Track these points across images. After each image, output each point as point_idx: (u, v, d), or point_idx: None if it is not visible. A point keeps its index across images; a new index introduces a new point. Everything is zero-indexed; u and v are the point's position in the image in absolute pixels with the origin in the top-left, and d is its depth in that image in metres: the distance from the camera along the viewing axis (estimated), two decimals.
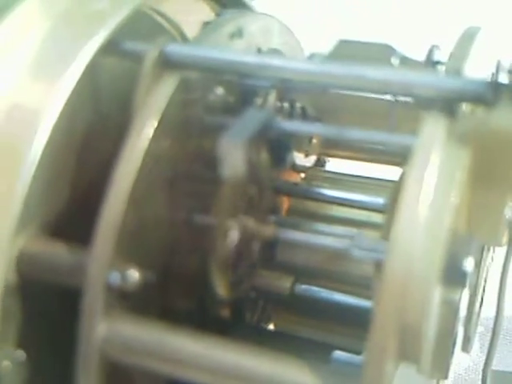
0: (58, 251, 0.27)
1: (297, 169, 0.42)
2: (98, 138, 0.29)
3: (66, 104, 0.26)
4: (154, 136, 0.26)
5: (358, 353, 0.33)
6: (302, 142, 0.40)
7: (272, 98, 0.34)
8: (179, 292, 0.31)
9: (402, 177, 0.30)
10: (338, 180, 0.43)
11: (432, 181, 0.23)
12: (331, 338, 0.40)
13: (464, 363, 0.59)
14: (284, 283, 0.38)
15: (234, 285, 0.33)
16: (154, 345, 0.25)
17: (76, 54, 0.27)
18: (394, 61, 0.32)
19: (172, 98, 0.27)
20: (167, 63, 0.28)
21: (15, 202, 0.25)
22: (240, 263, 0.33)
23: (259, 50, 0.35)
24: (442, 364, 0.29)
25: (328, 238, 0.34)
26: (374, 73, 0.26)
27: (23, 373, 0.27)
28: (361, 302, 0.39)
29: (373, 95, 0.32)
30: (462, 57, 0.26)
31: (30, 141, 0.26)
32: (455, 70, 0.26)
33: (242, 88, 0.31)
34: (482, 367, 0.39)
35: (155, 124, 0.26)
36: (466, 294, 0.28)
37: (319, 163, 0.45)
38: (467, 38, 0.28)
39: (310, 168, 0.43)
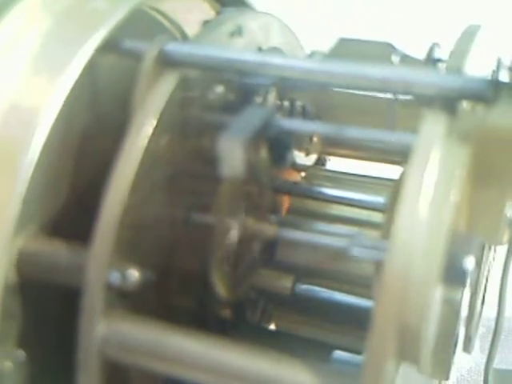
0: (58, 251, 0.27)
1: (297, 167, 0.42)
2: (96, 138, 0.29)
3: (65, 103, 0.26)
4: (153, 134, 0.26)
5: (359, 352, 0.33)
6: (302, 141, 0.40)
7: (272, 96, 0.34)
8: (179, 291, 0.31)
9: (402, 175, 0.30)
10: (339, 179, 0.43)
11: (432, 179, 0.23)
12: (332, 337, 0.40)
13: (466, 364, 0.59)
14: (285, 283, 0.38)
15: (234, 284, 0.33)
16: (153, 344, 0.25)
17: (75, 53, 0.27)
18: (395, 59, 0.32)
19: (171, 97, 0.26)
20: (167, 62, 0.28)
21: (14, 202, 0.25)
22: (240, 263, 0.33)
23: (259, 49, 0.35)
24: (443, 364, 0.29)
25: (328, 237, 0.34)
26: (374, 71, 0.26)
27: (24, 372, 0.27)
28: (361, 301, 0.39)
29: (373, 93, 0.32)
30: (462, 55, 0.26)
31: (28, 141, 0.26)
32: (456, 68, 0.26)
33: (242, 86, 0.31)
34: (483, 368, 0.38)
35: (154, 123, 0.26)
36: (467, 294, 0.28)
37: (320, 162, 0.45)
38: (467, 36, 0.28)
39: (310, 167, 0.43)
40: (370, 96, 0.32)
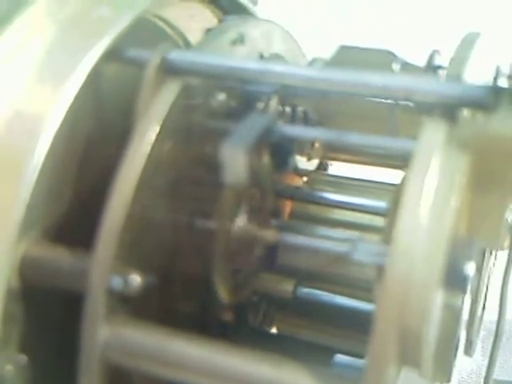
0: (60, 256, 0.27)
1: (299, 172, 0.42)
2: (99, 144, 0.29)
3: (69, 111, 0.27)
4: (156, 141, 0.26)
5: (360, 356, 0.33)
6: (304, 146, 0.40)
7: (274, 102, 0.34)
8: (181, 296, 0.31)
9: (403, 181, 0.30)
10: (340, 184, 0.43)
11: (432, 185, 0.23)
12: (333, 341, 0.40)
13: (467, 367, 0.59)
14: (286, 286, 0.38)
15: (236, 289, 0.33)
16: (155, 349, 0.26)
17: (79, 61, 0.27)
18: (395, 67, 0.32)
19: (174, 104, 0.27)
20: (169, 69, 0.28)
21: (18, 208, 0.25)
22: (242, 267, 0.33)
23: (261, 56, 0.35)
24: (444, 367, 0.29)
25: (330, 241, 0.35)
26: (375, 79, 0.26)
27: (25, 377, 0.27)
28: (363, 305, 0.39)
29: (374, 99, 0.32)
30: (462, 62, 0.27)
31: (32, 147, 0.26)
32: (455, 76, 0.26)
33: (244, 93, 0.31)
34: (484, 371, 0.39)
35: (157, 129, 0.26)
36: (468, 298, 0.28)
37: (321, 167, 0.45)
38: (467, 44, 0.28)
39: (312, 172, 0.43)
40: (370, 102, 0.32)
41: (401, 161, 0.40)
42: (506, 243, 0.29)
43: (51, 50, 0.28)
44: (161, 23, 0.34)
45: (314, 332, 0.41)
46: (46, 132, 0.26)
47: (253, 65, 0.28)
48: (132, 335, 0.26)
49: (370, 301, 0.38)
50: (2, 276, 0.25)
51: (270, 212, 0.35)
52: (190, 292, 0.32)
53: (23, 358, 0.27)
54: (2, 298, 0.25)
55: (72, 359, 0.25)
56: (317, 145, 0.41)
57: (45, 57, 0.27)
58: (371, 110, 0.33)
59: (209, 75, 0.28)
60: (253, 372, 0.25)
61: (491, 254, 0.35)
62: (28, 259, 0.26)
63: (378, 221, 0.40)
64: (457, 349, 0.32)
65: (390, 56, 0.33)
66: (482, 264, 0.32)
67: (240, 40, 0.32)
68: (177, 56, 0.28)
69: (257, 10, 0.39)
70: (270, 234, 0.34)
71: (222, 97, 0.30)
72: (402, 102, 0.31)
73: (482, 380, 0.44)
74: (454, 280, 0.24)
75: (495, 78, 0.28)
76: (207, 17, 0.38)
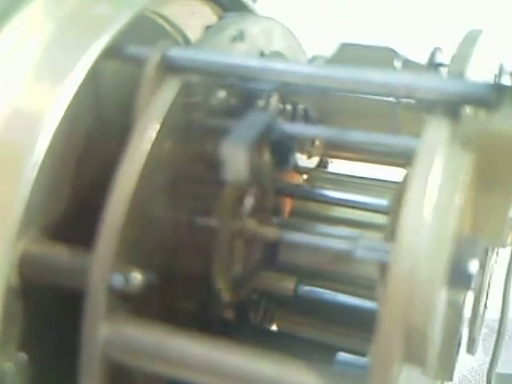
0: (60, 254, 0.27)
1: (299, 170, 0.42)
2: (99, 142, 0.29)
3: (68, 108, 0.26)
4: (156, 139, 0.26)
5: (361, 354, 0.33)
6: (304, 144, 0.40)
7: (274, 100, 0.34)
8: (182, 294, 0.31)
9: (405, 178, 0.30)
10: (341, 181, 0.43)
11: (436, 183, 0.23)
12: (334, 339, 0.40)
13: (468, 364, 0.59)
14: (287, 284, 0.38)
15: (237, 287, 0.33)
16: (156, 347, 0.25)
17: (78, 59, 0.27)
18: (397, 64, 0.32)
19: (174, 102, 0.26)
20: (169, 67, 0.28)
21: (17, 205, 0.25)
22: (243, 265, 0.33)
23: (261, 53, 0.35)
24: (447, 365, 0.29)
25: (330, 239, 0.34)
26: (376, 76, 0.26)
27: (25, 375, 0.27)
28: (364, 303, 0.39)
29: (375, 97, 0.32)
30: (464, 59, 0.26)
31: (31, 145, 0.26)
32: (458, 73, 0.26)
33: (244, 91, 0.31)
34: (486, 368, 0.38)
35: (157, 127, 0.26)
36: (470, 296, 0.28)
37: (322, 164, 0.45)
38: (469, 41, 0.28)
39: (312, 169, 0.43)
40: (371, 99, 0.32)
41: (402, 158, 0.40)
42: (509, 240, 0.28)
43: (50, 48, 0.27)
44: (160, 20, 0.34)
45: (314, 330, 0.40)
46: (46, 129, 0.26)
47: (253, 62, 0.28)
48: (133, 333, 0.26)
49: (371, 298, 0.38)
50: (1, 274, 0.25)
51: (270, 210, 0.35)
52: (190, 290, 0.31)
53: (23, 356, 0.27)
54: (1, 296, 0.25)
55: (72, 357, 0.25)
56: (317, 142, 0.41)
57: (44, 54, 0.27)
58: (372, 108, 0.33)
59: (209, 72, 0.28)
60: (255, 370, 0.25)
61: (493, 251, 0.35)
62: (28, 257, 0.26)
63: (379, 218, 0.40)
64: (459, 347, 0.32)
65: (391, 53, 0.32)
66: (485, 262, 0.32)
67: (240, 37, 0.32)
68: (177, 53, 0.28)
69: (256, 7, 0.39)
70: (270, 232, 0.33)
71: (222, 94, 0.30)
72: (403, 100, 0.31)
73: (483, 378, 0.44)
74: (458, 278, 0.24)
75: (498, 76, 0.28)
76: (207, 14, 0.37)
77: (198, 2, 0.37)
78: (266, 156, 0.33)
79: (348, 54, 0.33)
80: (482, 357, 0.56)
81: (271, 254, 0.38)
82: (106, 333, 0.25)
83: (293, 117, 0.36)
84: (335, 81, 0.27)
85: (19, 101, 0.27)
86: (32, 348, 0.27)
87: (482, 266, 0.31)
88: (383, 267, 0.30)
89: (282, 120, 0.30)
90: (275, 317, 0.42)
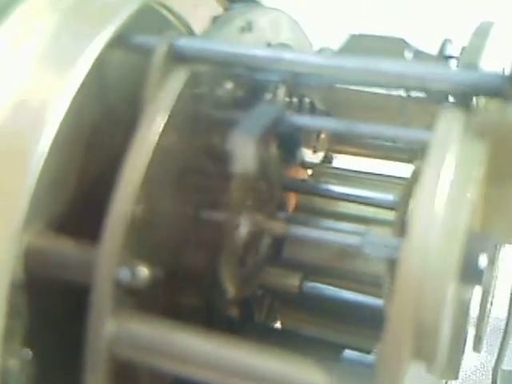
0: (66, 247, 0.26)
1: (304, 165, 0.41)
2: (105, 133, 0.29)
3: (74, 99, 0.26)
4: (163, 130, 0.25)
5: (367, 351, 0.33)
6: (309, 138, 0.39)
7: (281, 92, 0.33)
8: (187, 289, 0.31)
9: (414, 173, 0.29)
10: (346, 176, 0.43)
11: (448, 177, 0.22)
12: (339, 336, 0.39)
13: (471, 363, 0.59)
14: (292, 281, 0.38)
15: (243, 283, 0.33)
16: (162, 343, 0.25)
17: (84, 49, 0.26)
18: (408, 54, 0.32)
19: (182, 93, 0.26)
20: (177, 57, 0.27)
21: (23, 198, 0.25)
22: (249, 260, 0.33)
23: (268, 45, 0.34)
24: (453, 364, 0.28)
25: (336, 234, 0.34)
26: (388, 66, 0.26)
27: (30, 371, 0.27)
28: (369, 299, 0.38)
29: (384, 90, 0.31)
30: (477, 50, 0.26)
31: (37, 136, 0.25)
32: (471, 64, 0.25)
33: (252, 82, 0.31)
34: (490, 367, 0.38)
35: (165, 118, 0.26)
36: (478, 293, 0.28)
37: (326, 159, 0.45)
38: (481, 32, 0.27)
39: (317, 164, 0.43)
40: (380, 92, 0.32)
41: (408, 154, 0.40)
42: None
43: (55, 38, 0.27)
44: (164, 11, 0.33)
45: (319, 327, 0.40)
46: (51, 121, 0.26)
47: (263, 52, 0.28)
48: (139, 329, 0.25)
49: (376, 295, 0.37)
50: (6, 267, 0.25)
51: (276, 204, 0.34)
52: (196, 285, 0.31)
53: (27, 352, 0.26)
54: (5, 290, 0.25)
55: (77, 353, 0.25)
56: (323, 136, 0.41)
57: (49, 44, 0.27)
58: (381, 101, 0.33)
59: (217, 62, 0.28)
60: (261, 367, 0.24)
61: (500, 247, 0.34)
62: (33, 250, 0.26)
63: (384, 214, 0.39)
64: (465, 345, 0.32)
65: (402, 44, 0.32)
66: (495, 257, 0.31)
67: (248, 28, 0.32)
68: (184, 43, 0.28)
69: None
70: (277, 227, 0.33)
71: (229, 85, 0.30)
72: (413, 92, 0.30)
73: (486, 377, 0.43)
74: (469, 274, 0.24)
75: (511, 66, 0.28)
76: (212, 5, 0.37)
77: None
78: (273, 149, 0.32)
79: (358, 44, 0.33)
80: (484, 356, 0.56)
81: (276, 250, 0.37)
82: (112, 328, 0.25)
83: (299, 110, 0.36)
84: (346, 71, 0.26)
85: (24, 92, 0.26)
86: (37, 343, 0.27)
87: (492, 262, 0.31)
88: (391, 263, 0.29)
89: (290, 113, 0.30)
90: (279, 314, 0.42)
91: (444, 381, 0.35)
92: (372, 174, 0.43)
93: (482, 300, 0.32)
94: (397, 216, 0.30)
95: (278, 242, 0.37)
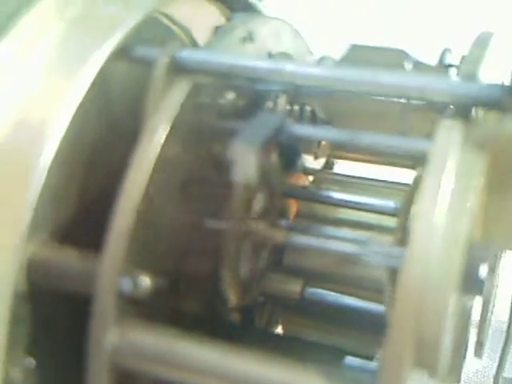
0: (68, 258, 0.27)
1: (306, 171, 0.41)
2: (108, 145, 0.29)
3: (77, 111, 0.26)
4: (165, 141, 0.26)
5: (368, 357, 0.33)
6: (310, 145, 0.40)
7: (282, 101, 0.33)
8: (188, 297, 0.31)
9: (415, 181, 0.29)
10: (347, 183, 0.43)
11: (449, 187, 0.22)
12: (339, 341, 0.39)
13: (472, 367, 0.59)
14: (294, 287, 0.38)
15: (245, 290, 0.33)
16: (165, 352, 0.25)
17: (87, 60, 0.27)
18: (407, 65, 0.32)
19: (184, 104, 0.26)
20: (179, 68, 0.27)
21: (26, 209, 0.25)
22: (250, 268, 0.33)
23: (269, 54, 0.34)
24: (455, 369, 0.28)
25: (339, 242, 0.34)
26: (388, 78, 0.26)
27: (33, 380, 0.27)
28: (370, 305, 0.38)
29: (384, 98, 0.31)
30: (476, 61, 0.26)
31: (40, 148, 0.25)
32: (470, 75, 0.25)
33: (252, 92, 0.31)
34: (491, 370, 0.38)
35: (167, 130, 0.26)
36: (479, 299, 0.28)
37: (327, 165, 0.45)
38: (481, 43, 0.28)
39: (318, 171, 0.43)
40: (380, 101, 0.32)
41: (410, 160, 0.40)
42: None
43: (60, 49, 0.27)
44: (166, 21, 0.33)
45: (320, 333, 0.40)
46: (54, 133, 0.26)
47: (264, 64, 0.28)
48: (141, 338, 0.25)
49: (377, 301, 0.37)
50: (9, 277, 0.25)
51: (278, 212, 0.34)
52: (197, 293, 0.31)
53: (30, 361, 0.27)
54: (9, 300, 0.25)
55: (80, 363, 0.25)
56: (323, 143, 0.41)
57: (53, 56, 0.27)
58: (381, 109, 0.33)
59: (219, 74, 0.28)
60: (265, 376, 0.24)
61: (501, 256, 0.34)
62: (35, 261, 0.26)
63: (385, 220, 0.39)
64: (466, 349, 0.32)
65: (401, 54, 0.32)
66: (495, 266, 0.31)
67: (249, 38, 0.32)
68: (186, 55, 0.28)
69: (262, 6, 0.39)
70: (280, 235, 0.33)
71: (230, 96, 0.30)
72: (414, 101, 0.30)
73: (488, 380, 0.43)
74: (469, 283, 0.24)
75: (511, 77, 0.28)
76: (214, 14, 0.37)
77: (205, 2, 0.37)
78: (274, 158, 0.32)
79: (358, 55, 0.33)
80: (486, 359, 0.56)
81: (277, 257, 0.38)
82: (115, 338, 0.25)
83: (300, 118, 0.36)
84: (346, 83, 0.26)
85: (28, 103, 0.26)
86: (40, 353, 0.27)
87: (492, 271, 0.31)
88: (392, 272, 0.29)
89: (290, 122, 0.30)
90: (281, 319, 0.42)
91: None
92: (373, 180, 0.43)
93: (483, 310, 0.32)
94: (398, 223, 0.30)
95: (279, 249, 0.37)
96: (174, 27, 0.34)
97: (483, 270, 0.24)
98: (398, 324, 0.22)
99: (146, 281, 0.26)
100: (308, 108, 0.37)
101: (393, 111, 0.33)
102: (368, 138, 0.28)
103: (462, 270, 0.23)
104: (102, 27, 0.28)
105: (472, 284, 0.24)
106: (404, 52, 0.32)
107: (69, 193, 0.28)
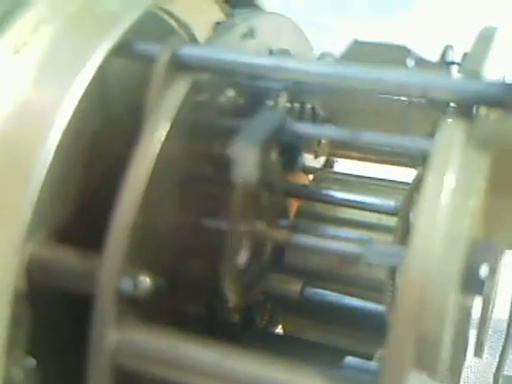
0: (68, 257, 0.26)
1: (306, 170, 0.41)
2: (108, 142, 0.29)
3: (76, 109, 0.26)
4: (166, 139, 0.25)
5: (368, 356, 0.33)
6: (311, 143, 0.39)
7: (283, 99, 0.33)
8: (188, 297, 0.31)
9: (416, 180, 0.29)
10: (347, 181, 0.43)
11: (450, 186, 0.22)
12: (340, 341, 0.39)
13: (472, 365, 0.59)
14: (294, 287, 0.38)
15: (245, 290, 0.33)
16: (165, 352, 0.25)
17: (87, 56, 0.26)
18: (409, 62, 0.32)
19: (184, 101, 0.26)
20: (179, 65, 0.27)
21: (25, 208, 0.25)
22: (251, 267, 0.33)
23: (270, 51, 0.34)
24: (454, 368, 0.28)
25: (340, 242, 0.34)
26: (389, 75, 0.26)
27: (33, 380, 0.27)
28: (370, 305, 0.38)
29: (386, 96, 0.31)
30: (479, 58, 0.26)
31: (39, 146, 0.25)
32: (473, 72, 0.25)
33: (253, 89, 0.31)
34: (491, 369, 0.38)
35: (168, 127, 0.25)
36: (479, 299, 0.28)
37: (327, 164, 0.45)
38: (484, 39, 0.27)
39: (319, 169, 0.43)
40: (382, 98, 0.31)
41: (411, 159, 0.40)
42: None
43: (59, 45, 0.27)
44: (166, 17, 0.33)
45: (320, 333, 0.40)
46: (54, 130, 0.26)
47: (266, 60, 0.28)
48: (142, 338, 0.25)
49: (377, 301, 0.37)
50: (9, 277, 0.25)
51: (278, 211, 0.34)
52: (197, 293, 0.31)
53: (31, 361, 0.26)
54: (8, 300, 0.25)
55: (80, 363, 0.25)
56: (323, 141, 0.40)
57: (53, 51, 0.27)
58: (382, 107, 0.33)
59: (220, 71, 0.28)
60: (266, 376, 0.24)
61: (502, 256, 0.34)
62: (35, 260, 0.26)
63: (386, 219, 0.39)
64: (466, 350, 0.32)
65: (403, 51, 0.32)
66: (496, 265, 0.31)
67: (250, 34, 0.32)
68: (187, 51, 0.27)
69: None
70: (280, 235, 0.33)
71: (230, 93, 0.30)
72: (416, 99, 0.30)
73: (486, 379, 0.43)
74: (470, 282, 0.24)
75: None
76: (214, 10, 0.37)
77: None
78: (275, 156, 0.32)
79: (360, 51, 0.33)
80: (486, 357, 0.56)
81: (277, 256, 0.37)
82: (115, 338, 0.25)
83: (300, 116, 0.36)
84: (348, 80, 0.26)
85: (27, 100, 0.26)
86: (40, 353, 0.27)
87: (493, 270, 0.31)
88: (393, 271, 0.29)
89: (292, 120, 0.30)
90: (281, 319, 0.42)
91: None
92: (374, 179, 0.43)
93: (483, 310, 0.32)
94: (399, 222, 0.30)
95: (280, 248, 0.37)
96: (174, 24, 0.33)
97: (484, 270, 0.24)
98: (399, 323, 0.21)
99: (146, 281, 0.25)
100: (309, 106, 0.36)
101: (394, 109, 0.33)
102: (368, 137, 0.28)
103: (462, 270, 0.23)
104: (101, 23, 0.28)
105: (472, 284, 0.24)
106: (406, 48, 0.32)
107: (68, 191, 0.28)
